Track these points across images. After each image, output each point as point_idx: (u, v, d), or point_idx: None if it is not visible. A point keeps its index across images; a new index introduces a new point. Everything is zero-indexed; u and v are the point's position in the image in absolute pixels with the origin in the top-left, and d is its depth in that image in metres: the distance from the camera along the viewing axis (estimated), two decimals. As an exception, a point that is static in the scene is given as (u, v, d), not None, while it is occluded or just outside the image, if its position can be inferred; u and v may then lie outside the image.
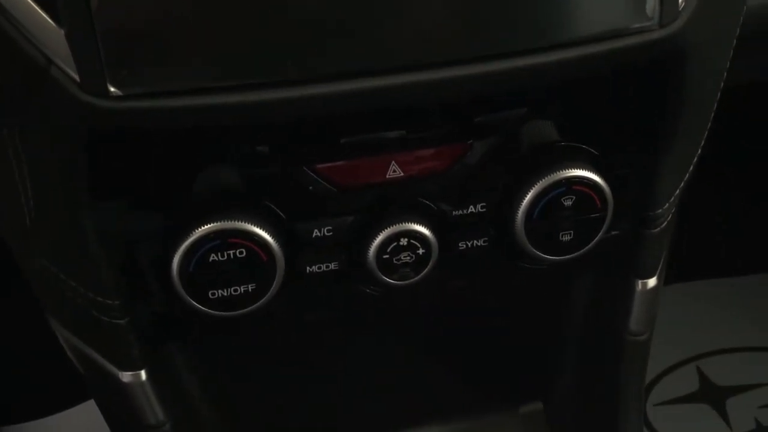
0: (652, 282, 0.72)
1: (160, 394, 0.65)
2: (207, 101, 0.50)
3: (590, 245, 0.65)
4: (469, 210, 0.64)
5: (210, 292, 0.59)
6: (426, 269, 0.64)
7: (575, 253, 0.65)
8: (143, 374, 0.64)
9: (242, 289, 0.60)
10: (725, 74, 0.65)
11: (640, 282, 0.72)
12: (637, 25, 0.55)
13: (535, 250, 0.64)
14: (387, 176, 0.61)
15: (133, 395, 0.64)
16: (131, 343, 0.62)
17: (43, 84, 0.49)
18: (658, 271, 0.72)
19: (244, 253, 0.58)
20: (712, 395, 1.81)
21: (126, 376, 0.64)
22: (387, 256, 0.62)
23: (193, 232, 0.57)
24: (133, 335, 0.62)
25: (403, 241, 0.62)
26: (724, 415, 1.77)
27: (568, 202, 0.63)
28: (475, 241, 0.65)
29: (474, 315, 0.80)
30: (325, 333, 0.77)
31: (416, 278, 0.64)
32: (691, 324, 1.89)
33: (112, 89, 0.49)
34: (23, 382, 1.51)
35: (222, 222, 0.57)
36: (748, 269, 1.99)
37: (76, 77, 0.49)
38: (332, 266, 0.63)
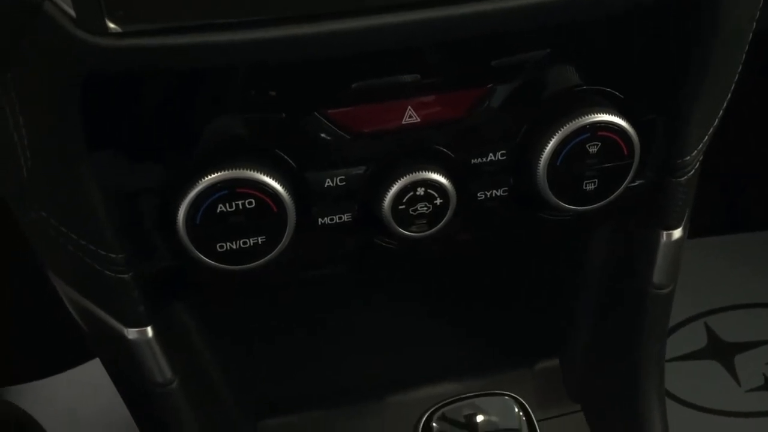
0: (677, 233, 0.69)
1: (167, 352, 0.63)
2: (211, 39, 0.47)
3: (615, 194, 0.62)
4: (489, 158, 0.61)
5: (218, 245, 0.57)
6: (443, 221, 0.61)
7: (599, 203, 0.62)
8: (149, 331, 0.62)
9: (251, 242, 0.57)
10: (757, 15, 0.61)
11: (664, 233, 0.69)
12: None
13: (557, 200, 0.61)
14: (403, 122, 0.58)
15: (138, 353, 0.62)
16: (136, 298, 0.60)
17: (37, 21, 0.46)
18: (683, 222, 0.69)
19: (254, 204, 0.55)
20: (721, 352, 1.80)
21: (131, 333, 0.61)
22: (403, 206, 0.59)
23: (200, 182, 0.54)
24: (138, 290, 0.59)
25: (420, 191, 0.59)
26: (732, 371, 1.76)
27: (593, 149, 0.60)
28: (494, 191, 0.62)
29: (490, 268, 0.77)
30: (336, 287, 0.75)
31: (433, 230, 0.61)
32: (699, 280, 1.87)
33: (110, 26, 0.46)
34: (27, 343, 1.49)
35: (230, 171, 0.54)
36: (758, 225, 1.98)
37: (72, 13, 0.45)
38: (345, 218, 0.60)
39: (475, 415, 0.57)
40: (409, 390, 0.78)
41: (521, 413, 0.56)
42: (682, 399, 1.68)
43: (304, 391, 0.80)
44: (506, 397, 0.57)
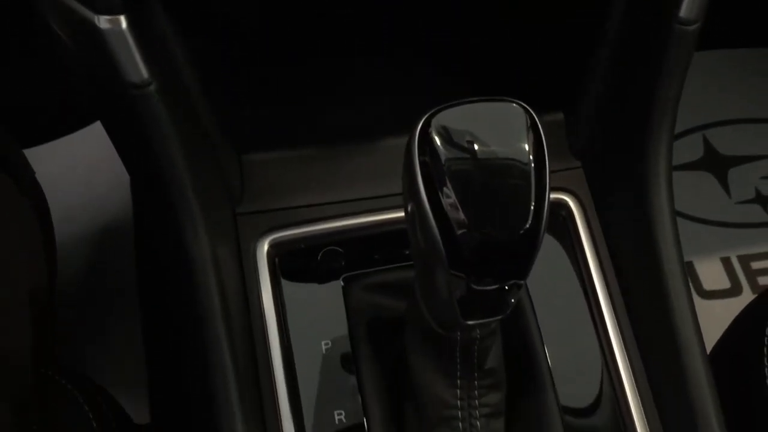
0: (713, -44, 0.62)
1: (142, 48, 0.57)
2: None
3: None
4: None
5: None
6: None
7: None
8: (123, 21, 0.55)
9: None
10: None
11: (698, -45, 0.62)
12: None
13: None
14: None
15: (111, 44, 0.56)
16: None
17: None
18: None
19: None
20: (716, 164, 1.79)
21: (103, 22, 0.55)
22: None
23: None
24: None
25: None
26: (724, 184, 1.76)
27: None
28: None
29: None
30: (330, 15, 0.68)
31: None
32: (701, 93, 1.83)
33: None
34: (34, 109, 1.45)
35: None
36: (765, 40, 1.91)
37: None
38: None
39: (478, 129, 0.52)
40: (402, 134, 0.73)
41: (529, 125, 0.52)
42: (672, 207, 1.67)
43: (288, 127, 0.75)
44: (514, 105, 0.52)
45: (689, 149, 1.77)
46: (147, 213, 0.85)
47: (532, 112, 0.51)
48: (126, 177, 1.33)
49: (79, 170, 1.52)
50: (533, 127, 0.51)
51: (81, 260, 1.43)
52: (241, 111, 0.72)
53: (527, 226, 0.50)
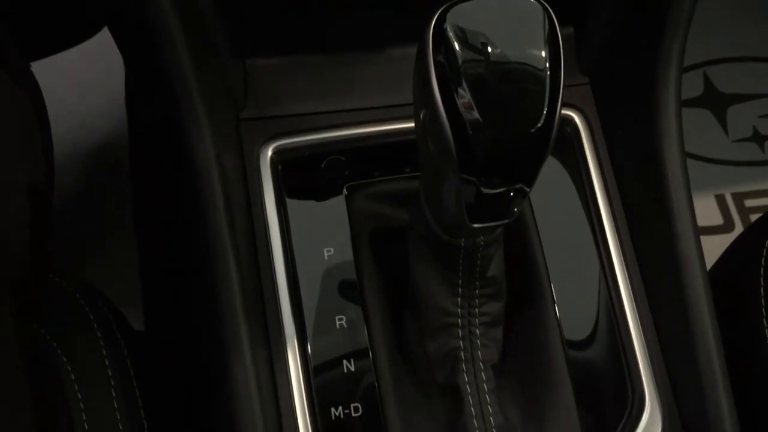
0: None
1: None
2: None
3: None
4: None
5: None
6: None
7: None
8: None
9: None
10: None
11: None
12: None
13: None
14: None
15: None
16: None
17: None
18: None
19: None
20: (715, 101, 1.78)
21: None
22: None
23: None
24: None
25: None
26: (722, 121, 1.75)
27: None
28: None
29: None
30: None
31: None
32: (703, 30, 1.80)
33: None
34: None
35: None
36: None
37: None
38: None
39: (494, 27, 0.51)
40: (410, 44, 0.71)
41: (547, 24, 0.51)
42: (669, 143, 1.66)
43: (293, 32, 0.73)
44: (531, 0, 0.51)
45: (689, 86, 1.76)
46: (148, 119, 0.83)
47: (549, 9, 0.50)
48: (120, 94, 1.31)
49: (73, 87, 1.50)
50: (551, 26, 0.50)
51: (75, 176, 1.42)
52: (245, 11, 0.70)
53: (539, 125, 0.49)
